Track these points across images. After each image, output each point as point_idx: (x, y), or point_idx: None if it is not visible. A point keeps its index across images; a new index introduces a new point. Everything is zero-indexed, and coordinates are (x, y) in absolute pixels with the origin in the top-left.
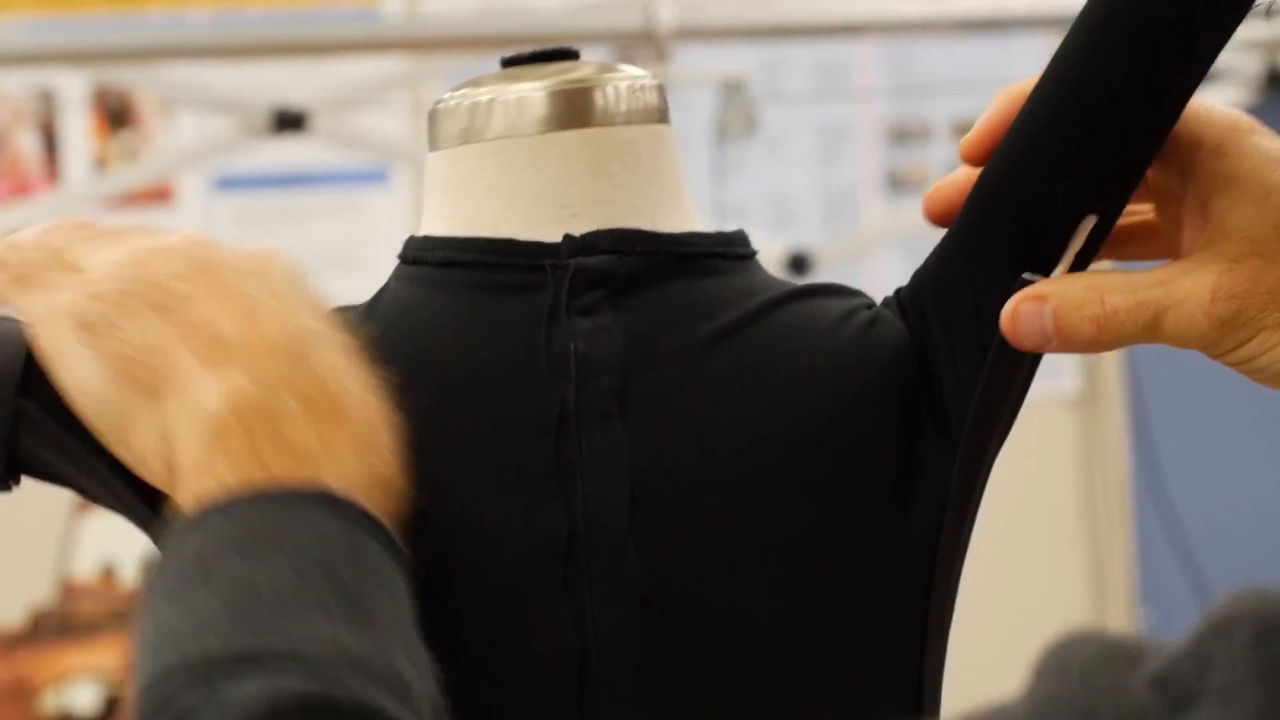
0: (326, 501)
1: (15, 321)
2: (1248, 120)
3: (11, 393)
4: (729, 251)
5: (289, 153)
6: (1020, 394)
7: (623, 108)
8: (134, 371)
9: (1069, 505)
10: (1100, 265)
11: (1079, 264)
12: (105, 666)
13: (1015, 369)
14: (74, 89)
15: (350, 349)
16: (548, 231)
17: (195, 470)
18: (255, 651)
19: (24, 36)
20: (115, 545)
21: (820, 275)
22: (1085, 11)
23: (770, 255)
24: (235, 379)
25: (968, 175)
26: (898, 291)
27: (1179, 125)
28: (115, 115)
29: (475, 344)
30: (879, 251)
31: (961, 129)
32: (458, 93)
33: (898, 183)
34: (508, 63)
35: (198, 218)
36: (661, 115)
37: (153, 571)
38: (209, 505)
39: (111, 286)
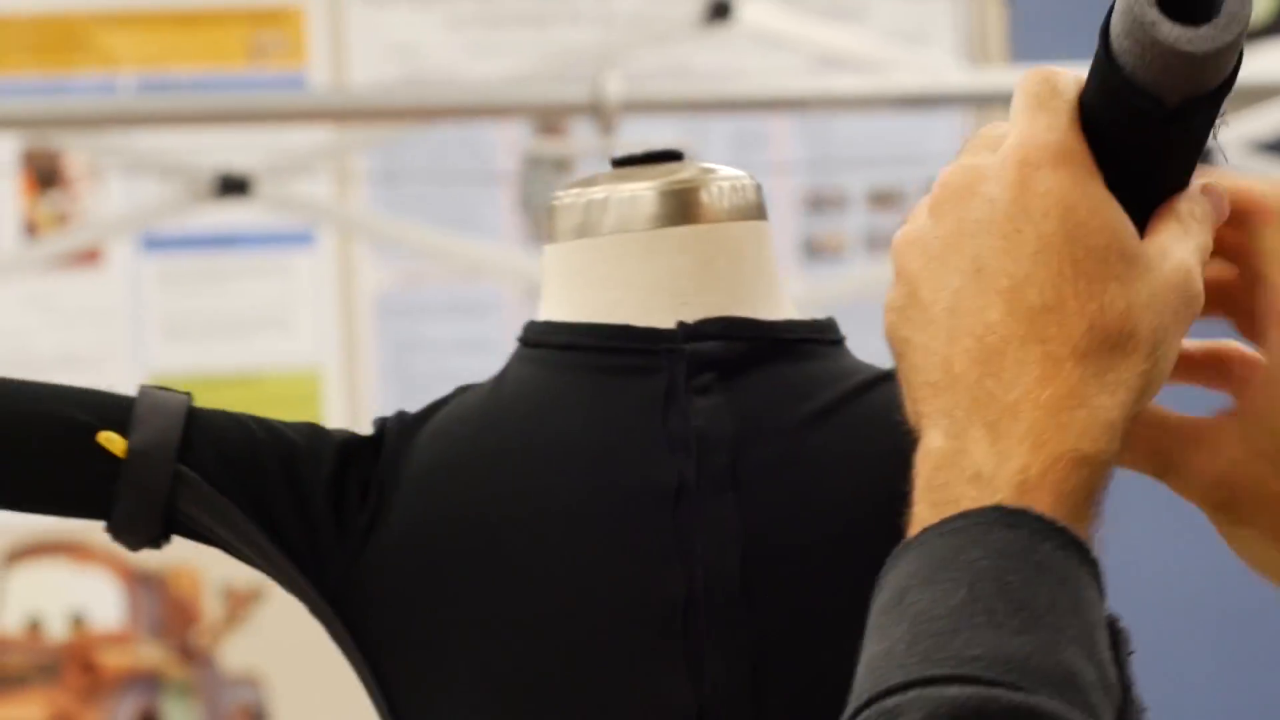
0: (1008, 519)
1: (172, 391)
2: None
3: (172, 457)
4: (823, 338)
5: (215, 215)
6: None
7: (725, 205)
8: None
9: None
10: None
11: None
12: (30, 719)
13: None
14: (4, 150)
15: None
16: (660, 319)
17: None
18: (923, 677)
19: None
20: (42, 598)
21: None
22: None
23: None
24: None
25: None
26: None
27: None
28: (45, 176)
29: (596, 421)
30: None
31: (877, 198)
32: (572, 190)
33: (814, 251)
34: (618, 163)
35: (125, 278)
36: (760, 212)
37: (872, 603)
38: (910, 541)
39: None
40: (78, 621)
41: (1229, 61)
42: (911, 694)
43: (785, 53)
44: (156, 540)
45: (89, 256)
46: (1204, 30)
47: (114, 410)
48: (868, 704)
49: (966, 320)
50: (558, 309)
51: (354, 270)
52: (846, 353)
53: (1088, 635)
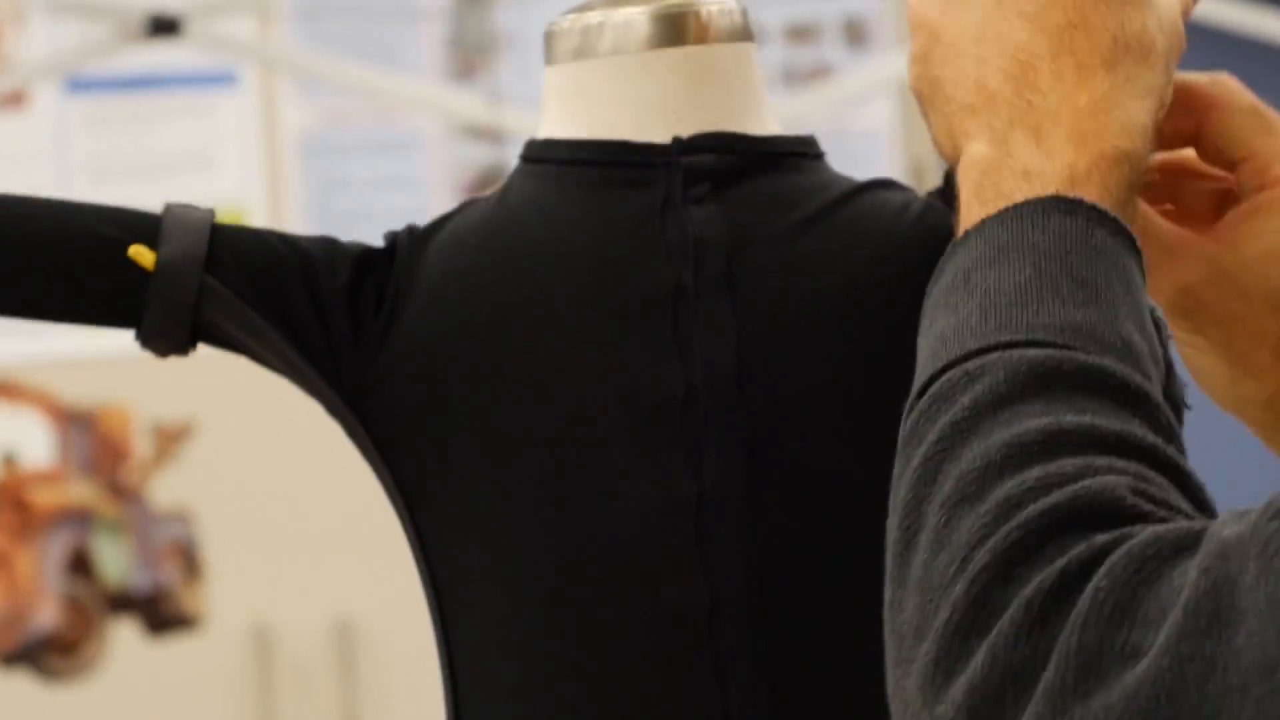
0: (1063, 207)
1: (198, 209)
2: None
3: (199, 269)
4: (807, 151)
5: (140, 57)
6: None
7: (714, 27)
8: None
9: None
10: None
11: None
12: None
13: None
14: None
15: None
16: (655, 135)
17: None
18: (1000, 342)
19: None
20: None
21: None
22: None
23: None
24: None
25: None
26: (943, 185)
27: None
28: None
29: (598, 229)
30: None
31: (794, 32)
32: (569, 15)
33: (793, 79)
34: None
35: (50, 121)
36: (746, 34)
37: (931, 289)
38: (969, 230)
39: None
40: (8, 460)
41: None
42: (992, 356)
43: None
44: (184, 347)
45: (14, 100)
46: None
47: (142, 226)
48: (944, 370)
49: (995, 45)
50: (557, 127)
51: (278, 110)
52: (827, 166)
53: (1139, 313)
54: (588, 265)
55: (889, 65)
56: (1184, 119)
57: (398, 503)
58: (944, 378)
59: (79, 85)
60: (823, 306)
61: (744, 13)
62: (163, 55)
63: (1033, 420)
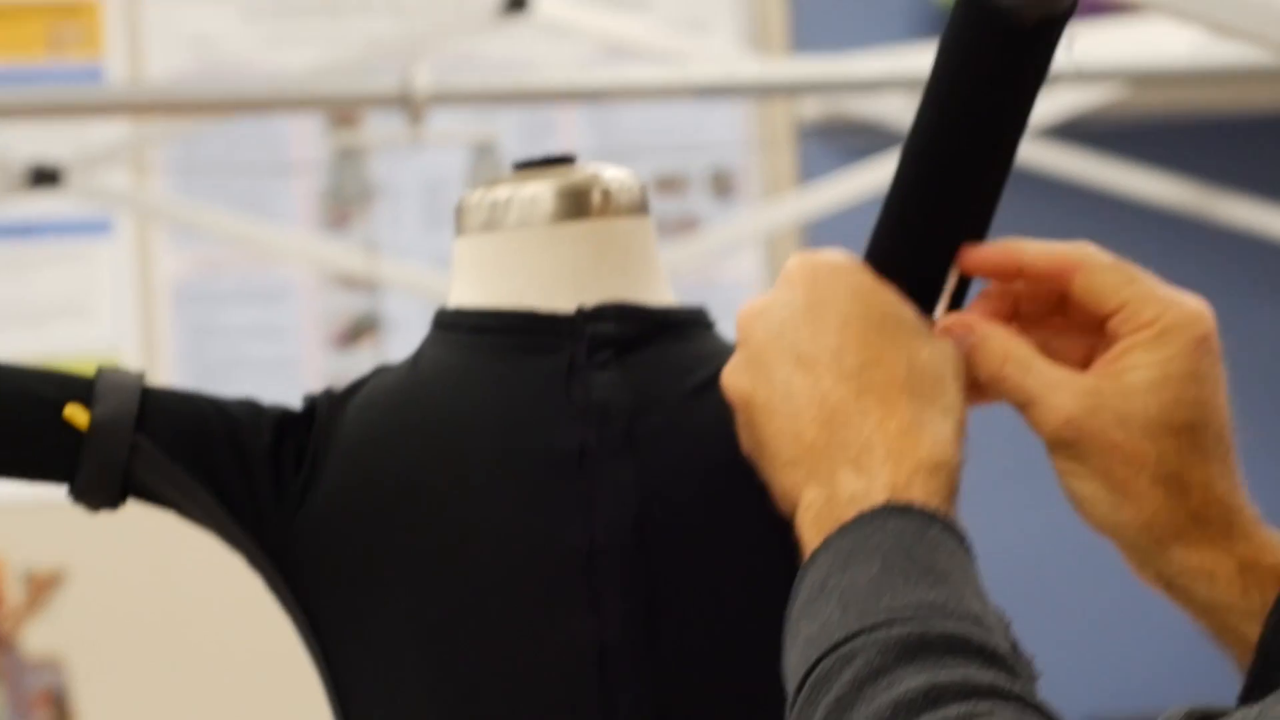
0: (897, 510)
1: (129, 372)
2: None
3: (130, 429)
4: (700, 321)
5: (13, 205)
6: None
7: (614, 202)
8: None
9: None
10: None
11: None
12: None
13: None
14: None
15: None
16: (560, 304)
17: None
18: (866, 626)
19: None
20: None
21: None
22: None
23: None
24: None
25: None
26: None
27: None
28: None
29: (507, 394)
30: None
31: (662, 183)
32: (478, 191)
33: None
34: (519, 166)
35: None
36: (644, 208)
37: (790, 610)
38: (815, 550)
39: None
40: None
41: None
42: (860, 639)
43: (572, 43)
44: (115, 503)
45: None
46: None
47: (76, 387)
48: (817, 662)
49: (803, 399)
50: (467, 295)
51: (151, 258)
52: (717, 335)
53: (980, 593)
54: (497, 428)
55: (756, 217)
56: (1052, 284)
57: (315, 653)
58: (819, 669)
59: None
60: (716, 467)
61: (642, 188)
62: (39, 205)
63: (913, 681)
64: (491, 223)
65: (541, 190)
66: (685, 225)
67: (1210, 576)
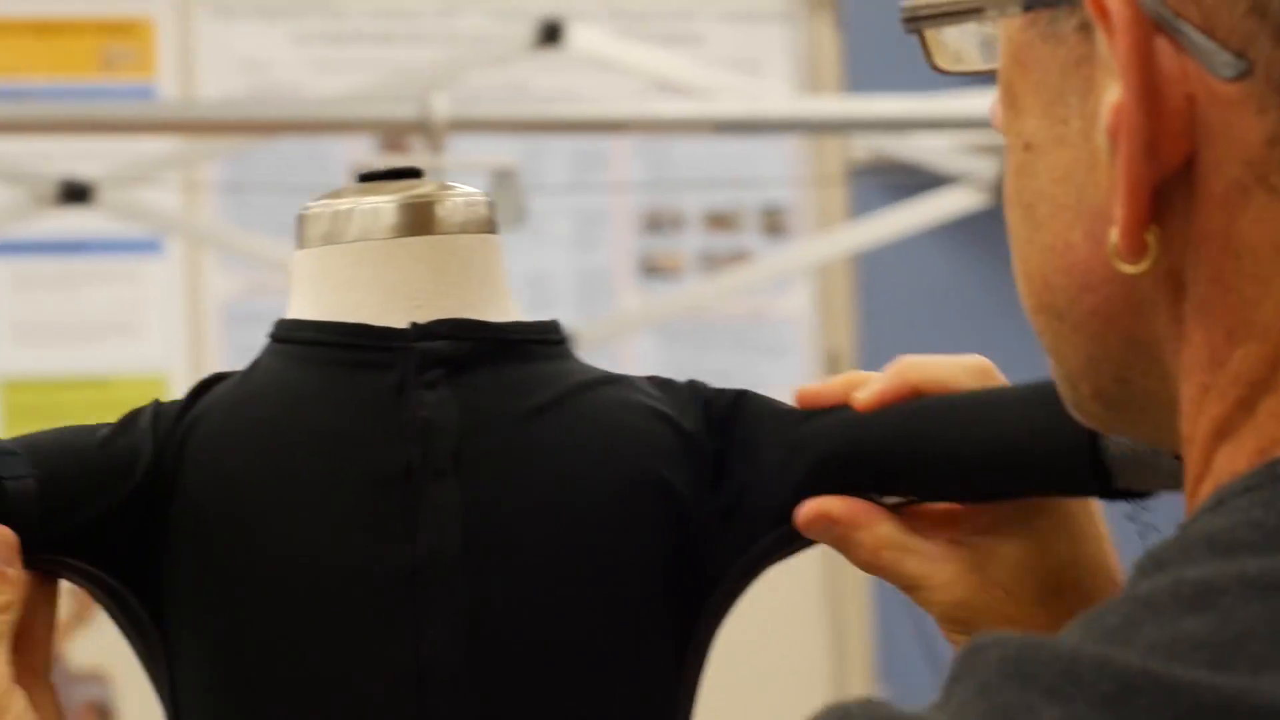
0: None
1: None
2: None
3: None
4: (545, 339)
5: (66, 221)
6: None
7: (458, 219)
8: None
9: (811, 580)
10: None
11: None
12: None
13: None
14: None
15: None
16: (396, 320)
17: None
18: None
19: None
20: None
21: (580, 354)
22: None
23: None
24: None
25: (844, 390)
26: (723, 392)
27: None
28: None
29: (337, 409)
30: (634, 333)
31: (713, 219)
32: (320, 202)
33: (652, 269)
34: (364, 178)
35: None
36: (491, 226)
37: None
38: None
39: None
40: None
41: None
42: None
43: (619, 76)
44: None
45: None
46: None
47: None
48: None
49: None
50: (305, 308)
51: (201, 278)
52: (569, 354)
53: None
54: (326, 443)
55: (805, 249)
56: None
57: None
58: None
59: (4, 248)
60: (548, 492)
61: (490, 205)
62: (88, 222)
63: None
64: (331, 234)
65: (384, 203)
66: (736, 261)
67: None
